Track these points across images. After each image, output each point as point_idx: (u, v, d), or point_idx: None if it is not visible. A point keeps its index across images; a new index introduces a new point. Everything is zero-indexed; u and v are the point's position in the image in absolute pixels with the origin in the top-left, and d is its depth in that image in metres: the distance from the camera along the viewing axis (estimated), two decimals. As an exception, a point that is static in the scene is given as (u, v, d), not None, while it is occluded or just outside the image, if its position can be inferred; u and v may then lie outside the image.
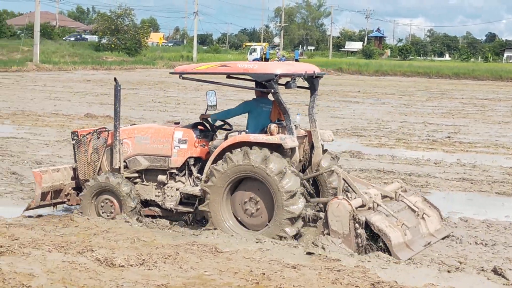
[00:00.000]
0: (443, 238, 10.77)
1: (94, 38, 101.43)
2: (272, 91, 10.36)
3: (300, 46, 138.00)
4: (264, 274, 8.58)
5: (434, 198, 12.95)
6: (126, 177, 11.27)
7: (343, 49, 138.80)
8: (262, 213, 10.25)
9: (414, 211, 10.54)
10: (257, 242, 9.87)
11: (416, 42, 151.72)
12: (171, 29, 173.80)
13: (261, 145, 10.08)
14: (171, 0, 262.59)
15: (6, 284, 7.96)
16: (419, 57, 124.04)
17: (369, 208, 10.00)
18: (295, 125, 10.58)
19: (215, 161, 10.41)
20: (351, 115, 30.95)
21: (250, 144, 10.14)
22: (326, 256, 9.37)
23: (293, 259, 9.25)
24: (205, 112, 11.36)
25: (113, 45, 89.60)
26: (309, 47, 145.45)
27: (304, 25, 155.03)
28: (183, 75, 10.93)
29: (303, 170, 11.15)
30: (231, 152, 10.15)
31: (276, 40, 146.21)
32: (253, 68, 10.43)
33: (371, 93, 46.05)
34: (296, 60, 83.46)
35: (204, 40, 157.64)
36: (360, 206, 9.98)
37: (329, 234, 9.74)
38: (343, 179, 10.38)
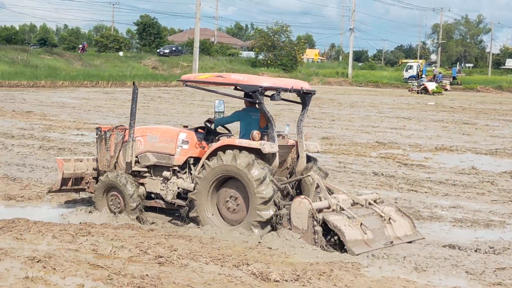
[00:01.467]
0: (410, 242, 11.36)
1: (251, 54, 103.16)
2: (257, 101, 11.46)
3: (458, 63, 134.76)
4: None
5: None
6: (136, 171, 12.56)
7: (503, 67, 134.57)
8: (241, 210, 11.28)
9: (381, 216, 11.35)
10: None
11: None
12: (327, 45, 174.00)
13: (244, 148, 11.11)
14: (327, 17, 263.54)
15: (165, 294, 8.18)
16: None
17: (333, 210, 10.92)
18: (283, 135, 11.96)
19: (208, 158, 11.51)
20: (512, 134, 30.00)
21: (235, 147, 11.20)
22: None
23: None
24: (214, 117, 12.58)
25: (269, 61, 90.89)
26: (467, 64, 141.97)
27: (463, 41, 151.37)
28: (187, 83, 12.49)
29: (290, 176, 12.19)
30: (224, 152, 11.23)
31: (433, 57, 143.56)
32: (243, 80, 11.72)
33: (532, 112, 44.39)
34: (454, 78, 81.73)
35: (359, 56, 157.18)
36: (327, 208, 10.94)
37: (291, 230, 10.77)
38: (317, 184, 11.42)
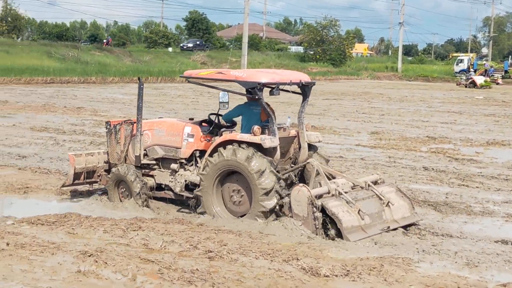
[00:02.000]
0: (410, 225, 11.78)
1: (300, 49, 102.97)
2: (256, 97, 11.68)
3: (510, 56, 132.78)
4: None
5: None
6: (144, 164, 13.03)
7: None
8: (244, 203, 11.62)
9: (380, 199, 11.63)
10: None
11: None
12: (376, 39, 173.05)
13: (246, 143, 11.42)
14: (376, 11, 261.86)
15: (216, 289, 8.21)
16: None
17: (333, 195, 11.18)
18: (284, 127, 12.25)
19: (211, 154, 11.86)
20: None
21: (237, 142, 11.52)
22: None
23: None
24: (218, 111, 12.67)
25: (318, 56, 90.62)
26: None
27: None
28: (189, 79, 12.85)
29: (293, 165, 12.49)
30: (224, 148, 11.57)
31: (484, 50, 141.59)
32: (242, 76, 11.97)
33: None
34: (505, 72, 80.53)
35: (409, 50, 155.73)
36: (327, 193, 11.21)
37: (292, 217, 11.03)
38: (317, 170, 11.80)
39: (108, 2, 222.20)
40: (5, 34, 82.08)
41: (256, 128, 11.50)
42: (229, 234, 10.72)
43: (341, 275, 8.80)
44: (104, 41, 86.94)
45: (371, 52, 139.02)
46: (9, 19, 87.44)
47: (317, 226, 10.75)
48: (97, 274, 8.54)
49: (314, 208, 10.79)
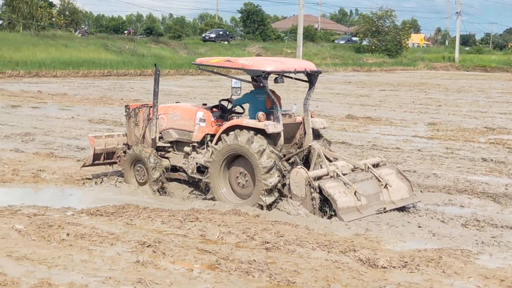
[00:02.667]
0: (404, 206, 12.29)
1: (355, 39, 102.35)
2: (261, 84, 12.14)
3: None
4: None
5: None
6: (160, 146, 13.62)
7: None
8: (250, 184, 12.10)
9: (379, 181, 12.10)
10: None
11: None
12: (432, 30, 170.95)
13: (250, 129, 11.93)
14: (432, 0, 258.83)
15: (273, 279, 8.22)
16: None
17: (331, 177, 11.70)
18: (290, 113, 12.63)
19: (216, 142, 12.47)
20: None
21: (243, 128, 12.04)
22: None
23: None
24: (231, 96, 13.48)
25: (373, 47, 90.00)
26: None
27: None
28: (200, 66, 13.40)
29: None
30: (227, 134, 12.15)
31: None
32: (248, 64, 12.37)
33: None
34: None
35: (466, 40, 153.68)
36: (325, 175, 11.74)
37: (291, 198, 11.60)
38: (318, 153, 12.27)
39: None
40: (63, 28, 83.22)
41: (260, 114, 12.01)
42: (286, 225, 10.72)
43: (399, 267, 8.74)
44: (125, 32, 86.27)
45: (427, 43, 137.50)
46: (67, 13, 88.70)
47: (314, 206, 11.33)
48: (155, 265, 8.62)
49: (312, 189, 11.34)
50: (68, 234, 9.77)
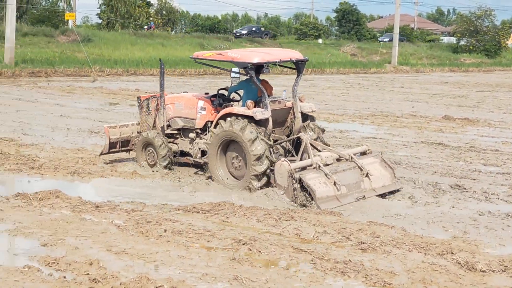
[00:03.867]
0: (391, 192, 13.10)
1: (452, 39, 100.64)
2: (249, 75, 13.25)
3: None
4: None
5: None
6: (169, 134, 14.91)
7: None
8: (242, 167, 13.24)
9: (361, 170, 12.95)
10: None
11: None
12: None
13: (240, 116, 13.06)
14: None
15: (368, 280, 8.18)
16: None
17: (314, 168, 12.58)
18: (279, 100, 13.76)
19: (215, 126, 13.61)
20: None
21: (235, 115, 13.17)
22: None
23: None
24: (231, 85, 14.67)
25: (471, 47, 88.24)
26: None
27: None
28: (196, 60, 14.38)
29: (290, 134, 14.02)
30: (224, 120, 13.28)
31: None
32: (236, 57, 13.45)
33: None
34: None
35: None
36: (309, 166, 12.67)
37: (276, 187, 12.56)
38: (306, 144, 13.21)
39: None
40: (160, 27, 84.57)
41: (249, 102, 13.13)
42: (382, 226, 10.65)
43: (498, 271, 8.57)
44: (145, 27, 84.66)
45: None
46: (164, 12, 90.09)
47: (296, 196, 12.20)
48: (251, 262, 8.69)
49: (293, 180, 12.24)
50: (165, 230, 9.94)
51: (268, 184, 12.90)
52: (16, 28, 43.88)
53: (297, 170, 12.42)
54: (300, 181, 12.21)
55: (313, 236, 9.91)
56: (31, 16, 70.61)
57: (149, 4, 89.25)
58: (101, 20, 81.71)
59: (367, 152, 13.79)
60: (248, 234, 9.87)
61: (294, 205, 12.01)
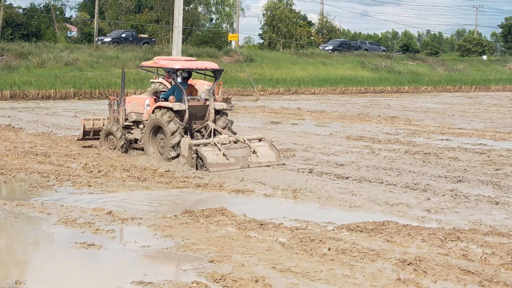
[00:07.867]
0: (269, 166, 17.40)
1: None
2: (172, 78, 18.08)
3: None
4: None
5: None
6: (127, 125, 19.55)
7: None
8: (166, 146, 17.74)
9: (250, 148, 17.52)
10: None
11: None
12: None
13: (164, 108, 17.83)
14: None
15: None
16: None
17: (210, 144, 17.17)
18: (198, 98, 18.39)
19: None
20: None
21: (162, 107, 17.95)
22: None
23: None
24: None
25: None
26: None
27: None
28: (142, 68, 20.12)
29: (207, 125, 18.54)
30: (154, 112, 18.09)
31: None
32: (164, 64, 18.46)
33: None
34: None
35: None
36: (208, 143, 17.24)
37: (181, 157, 17.15)
38: (211, 129, 18.14)
39: (421, 11, 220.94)
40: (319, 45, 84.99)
41: (171, 97, 17.80)
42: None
43: None
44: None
45: None
46: (325, 31, 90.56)
47: (194, 163, 16.75)
48: (416, 283, 8.56)
49: (192, 151, 16.79)
50: (329, 249, 9.96)
51: (178, 156, 17.37)
52: (182, 49, 45.35)
53: (196, 145, 16.85)
54: (197, 152, 16.66)
55: (480, 257, 9.65)
56: (196, 37, 72.87)
57: (310, 24, 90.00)
58: (263, 40, 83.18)
59: (262, 139, 18.29)
60: (413, 254, 9.73)
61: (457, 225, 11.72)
